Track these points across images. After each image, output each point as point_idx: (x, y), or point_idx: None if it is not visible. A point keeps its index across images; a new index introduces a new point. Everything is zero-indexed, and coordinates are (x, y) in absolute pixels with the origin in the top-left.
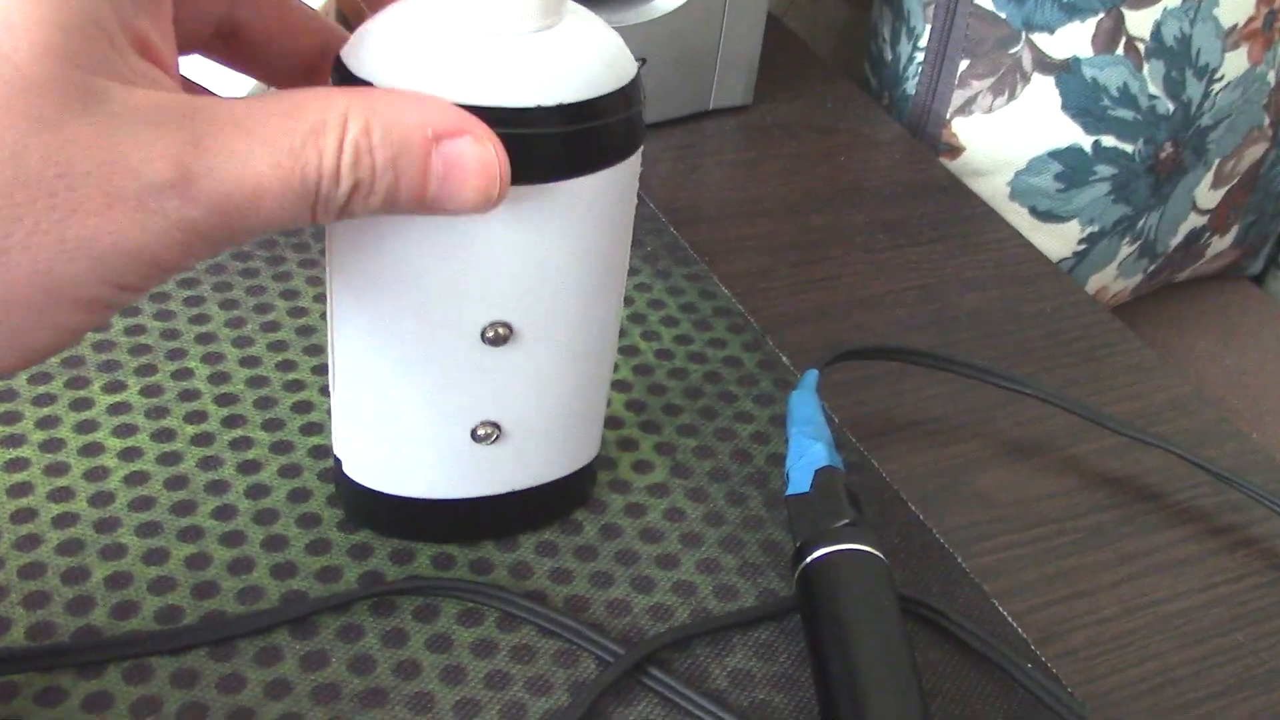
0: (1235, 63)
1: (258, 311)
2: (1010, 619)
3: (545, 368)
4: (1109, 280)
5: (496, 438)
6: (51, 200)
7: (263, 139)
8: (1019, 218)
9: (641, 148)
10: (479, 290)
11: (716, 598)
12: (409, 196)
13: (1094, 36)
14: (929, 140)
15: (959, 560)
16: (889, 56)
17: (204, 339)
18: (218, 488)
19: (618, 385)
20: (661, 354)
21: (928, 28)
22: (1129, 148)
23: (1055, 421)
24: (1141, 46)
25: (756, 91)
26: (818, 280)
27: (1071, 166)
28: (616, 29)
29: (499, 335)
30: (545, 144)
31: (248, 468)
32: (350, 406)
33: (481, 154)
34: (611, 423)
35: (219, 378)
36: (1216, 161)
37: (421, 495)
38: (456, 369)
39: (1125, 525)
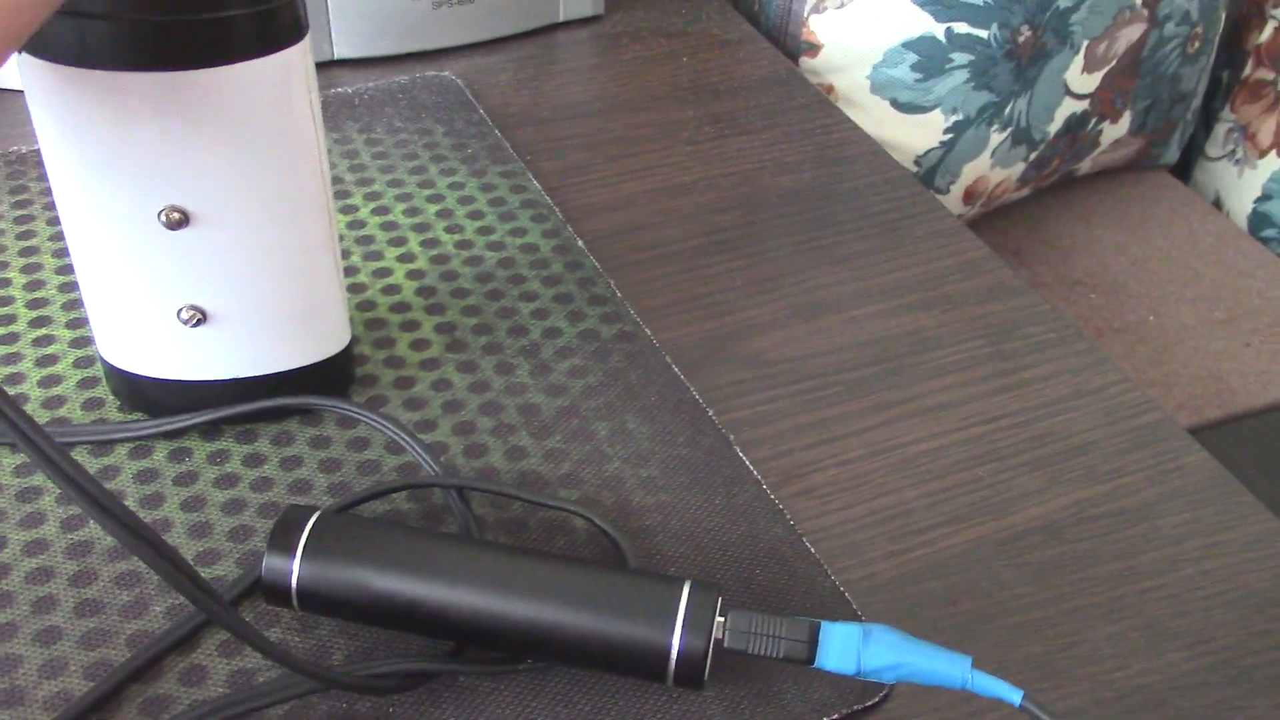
0: None
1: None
2: (749, 464)
3: (234, 253)
4: (985, 170)
5: (199, 321)
6: None
7: None
8: (882, 110)
9: (304, 42)
10: (148, 175)
11: (465, 456)
12: None
13: None
14: (791, 41)
15: (710, 414)
16: None
17: None
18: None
19: (412, 274)
20: (462, 244)
21: None
22: (983, 33)
23: (842, 288)
24: None
25: (611, 0)
26: (632, 172)
27: (927, 56)
28: None
29: (174, 219)
30: (190, 30)
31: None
32: (84, 289)
33: None
34: (399, 307)
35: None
36: (1085, 44)
37: (152, 375)
38: (143, 252)
39: (891, 378)
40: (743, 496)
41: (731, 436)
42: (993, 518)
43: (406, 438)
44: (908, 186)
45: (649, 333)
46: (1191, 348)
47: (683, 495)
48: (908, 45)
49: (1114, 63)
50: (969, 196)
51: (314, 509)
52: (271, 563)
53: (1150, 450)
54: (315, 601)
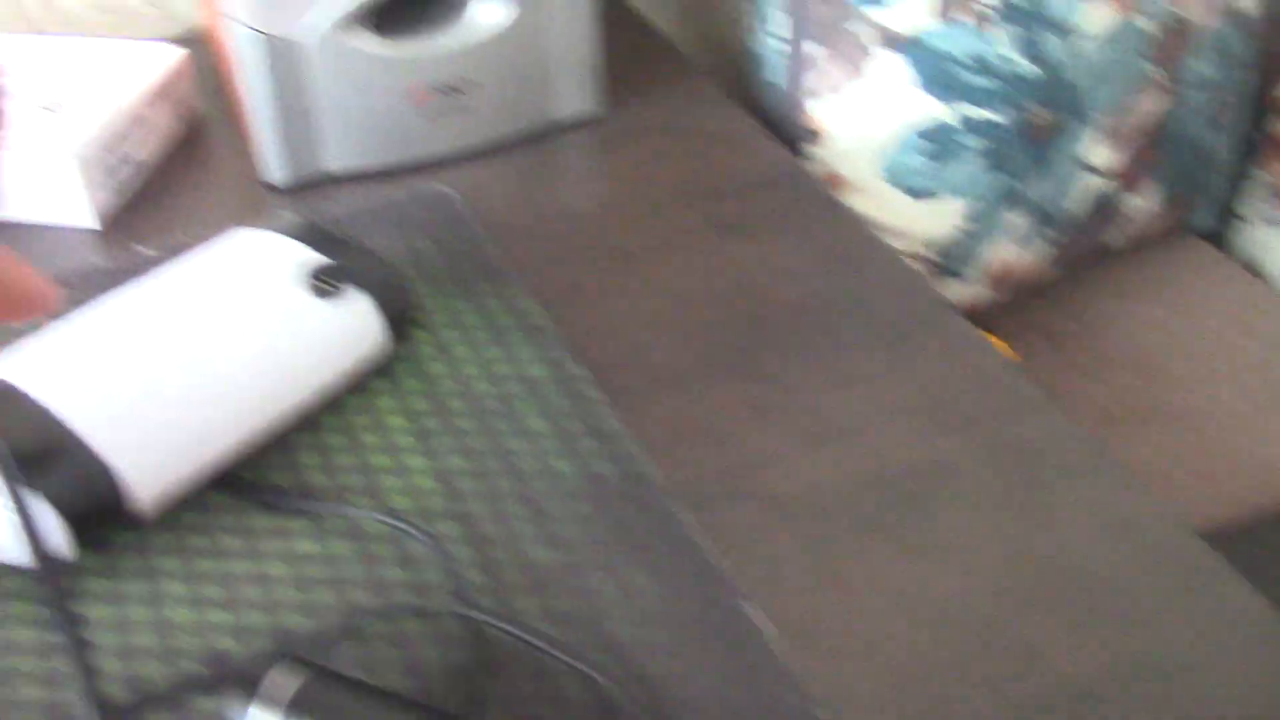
0: (1098, 16)
1: None
2: (759, 623)
3: None
4: (1009, 253)
5: None
6: None
7: None
8: (894, 197)
9: None
10: None
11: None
12: None
13: (933, 6)
14: (794, 129)
15: (720, 567)
16: (755, 47)
17: None
18: None
19: (405, 413)
20: (457, 378)
21: (780, 14)
22: (995, 116)
23: (857, 409)
24: (989, 10)
25: (615, 99)
26: (633, 286)
27: (938, 141)
28: (440, 54)
29: None
30: None
31: None
32: None
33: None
34: (390, 449)
35: None
36: (1102, 120)
37: None
38: None
39: (908, 513)
40: (752, 659)
41: (743, 590)
42: (1020, 678)
43: (441, 557)
44: (920, 293)
45: (654, 472)
46: (1236, 432)
47: (691, 661)
48: (917, 130)
49: (1135, 136)
50: (996, 282)
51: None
52: None
53: (1196, 595)
54: None
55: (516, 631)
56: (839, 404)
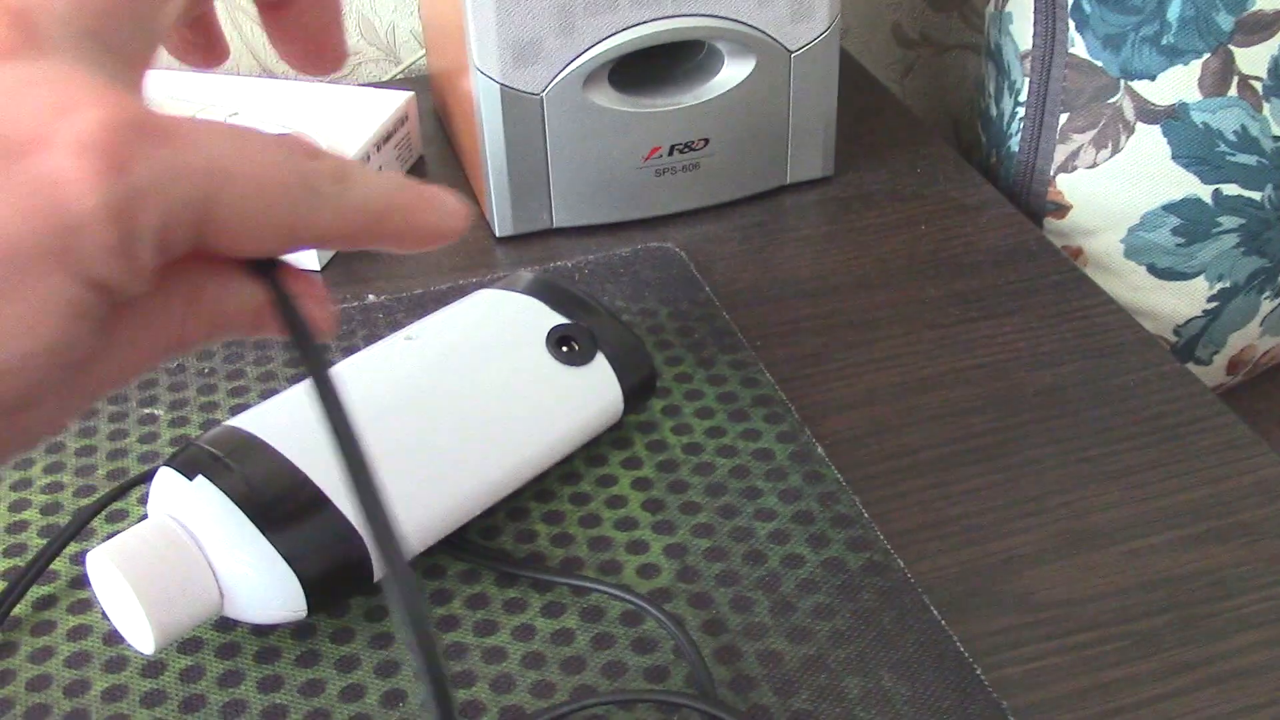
0: None
1: None
2: None
3: None
4: (1254, 338)
5: None
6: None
7: None
8: (1137, 277)
9: None
10: None
11: None
12: None
13: (1200, 79)
14: (1035, 200)
15: (978, 672)
16: (994, 111)
17: None
18: None
19: (637, 483)
20: (690, 449)
21: (1026, 81)
22: (1256, 195)
23: (1119, 512)
24: (1258, 85)
25: (841, 159)
26: (872, 361)
27: (1191, 219)
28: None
29: None
30: None
31: None
32: None
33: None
34: (624, 524)
35: None
36: None
37: None
38: None
39: (1183, 631)
40: None
41: (1005, 703)
42: None
43: (689, 647)
44: (1186, 385)
45: (901, 563)
46: None
47: None
48: (1169, 208)
49: None
50: (1233, 367)
51: None
52: None
53: None
54: None
55: None
56: (1103, 505)
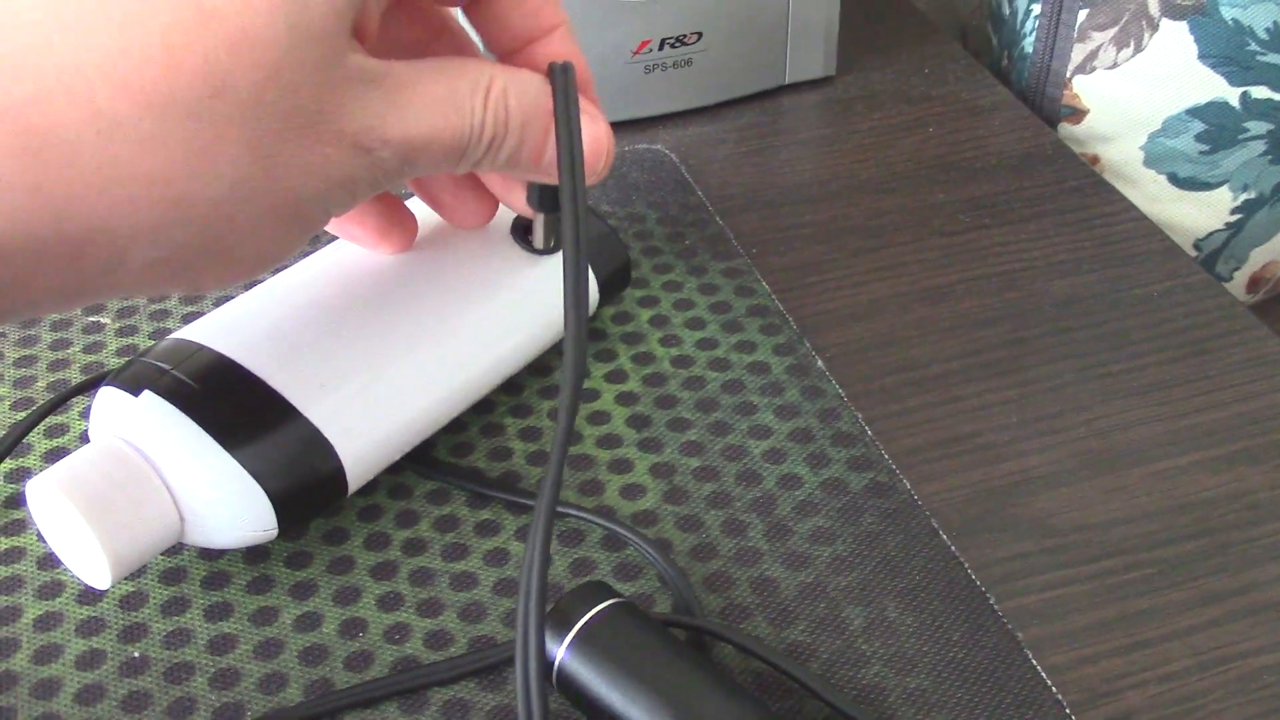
0: None
1: None
2: (1043, 673)
3: None
4: (1278, 254)
5: None
6: (309, 131)
7: (435, 98)
8: (1157, 187)
9: None
10: None
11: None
12: (528, 158)
13: None
14: (1049, 105)
15: (991, 601)
16: (1006, 11)
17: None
18: None
19: (622, 397)
20: (679, 361)
21: None
22: None
23: (1143, 430)
24: None
25: (843, 59)
26: (877, 270)
27: (1216, 125)
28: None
29: None
30: None
31: None
32: None
33: (594, 129)
34: (607, 441)
35: None
36: None
37: None
38: None
39: (1216, 558)
40: (1032, 716)
41: (1019, 635)
42: None
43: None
44: (1214, 296)
45: (907, 484)
46: None
47: (962, 717)
48: (1193, 112)
49: None
50: (1253, 284)
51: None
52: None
53: None
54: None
55: (773, 659)
56: (1127, 422)
